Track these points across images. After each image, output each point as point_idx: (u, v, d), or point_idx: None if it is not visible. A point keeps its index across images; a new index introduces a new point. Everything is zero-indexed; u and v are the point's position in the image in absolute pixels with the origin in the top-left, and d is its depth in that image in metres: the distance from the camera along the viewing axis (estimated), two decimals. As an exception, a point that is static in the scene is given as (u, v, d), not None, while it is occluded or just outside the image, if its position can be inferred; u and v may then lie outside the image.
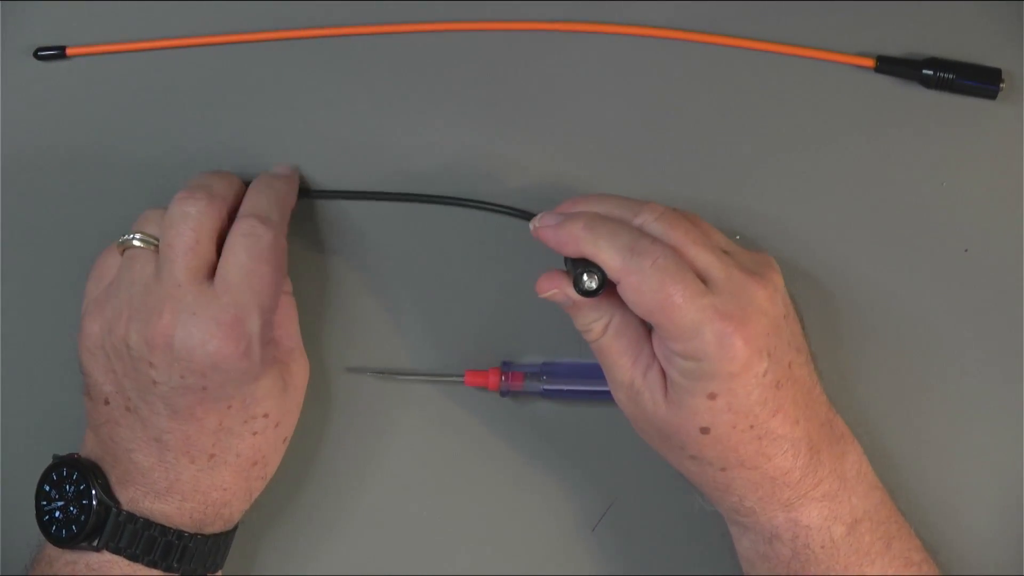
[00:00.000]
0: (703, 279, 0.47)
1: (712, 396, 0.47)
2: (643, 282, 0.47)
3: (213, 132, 0.61)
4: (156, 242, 0.51)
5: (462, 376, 0.58)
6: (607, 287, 0.48)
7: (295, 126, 0.61)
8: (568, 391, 0.58)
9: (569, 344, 0.57)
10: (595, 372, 0.52)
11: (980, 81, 0.58)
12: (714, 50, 0.60)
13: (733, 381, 0.47)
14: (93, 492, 0.51)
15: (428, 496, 0.60)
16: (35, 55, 0.61)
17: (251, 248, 0.50)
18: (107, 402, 0.52)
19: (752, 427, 0.48)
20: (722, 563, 0.56)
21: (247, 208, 0.52)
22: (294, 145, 0.61)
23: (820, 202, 0.59)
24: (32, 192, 0.61)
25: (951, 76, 0.58)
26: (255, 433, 0.52)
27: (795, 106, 0.60)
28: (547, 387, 0.58)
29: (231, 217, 0.53)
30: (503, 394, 0.58)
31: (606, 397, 0.52)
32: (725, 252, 0.49)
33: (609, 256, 0.47)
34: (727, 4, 0.60)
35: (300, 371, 0.55)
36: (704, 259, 0.48)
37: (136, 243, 0.51)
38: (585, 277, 0.48)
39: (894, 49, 0.59)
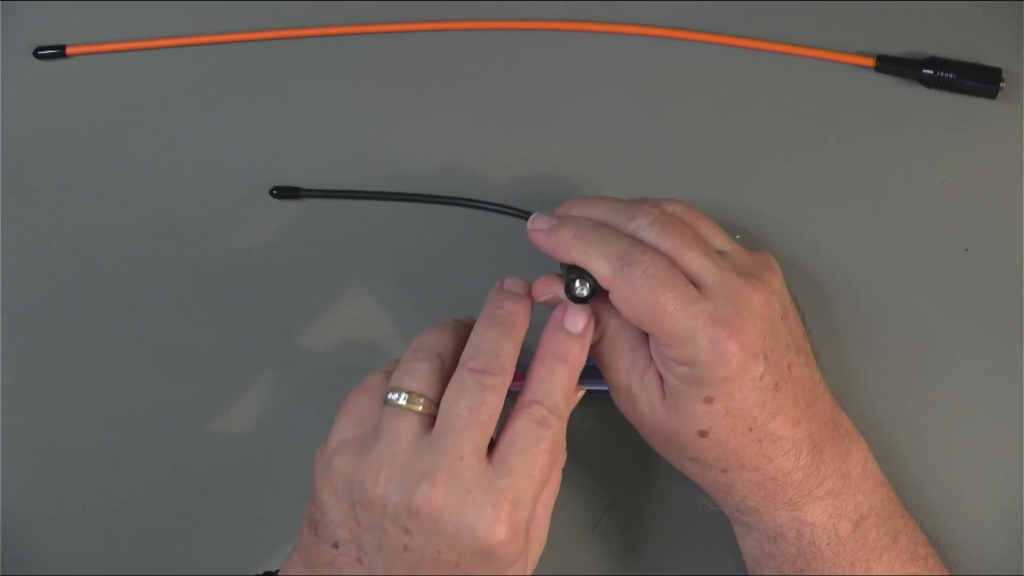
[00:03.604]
0: (697, 284, 0.47)
1: (708, 400, 0.47)
2: (633, 292, 0.46)
3: (213, 132, 0.61)
4: (421, 402, 0.48)
5: (462, 376, 0.58)
6: (601, 292, 0.48)
7: (294, 126, 0.61)
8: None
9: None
10: (594, 372, 0.52)
11: (980, 80, 0.58)
12: (714, 50, 0.60)
13: (729, 385, 0.47)
14: None
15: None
16: (35, 55, 0.61)
17: (538, 436, 0.47)
18: (336, 546, 0.48)
19: (751, 430, 0.48)
20: (722, 563, 0.56)
21: (539, 393, 0.48)
22: (293, 145, 0.61)
23: (820, 202, 0.59)
24: (32, 192, 0.61)
25: (951, 76, 0.58)
26: None
27: (795, 106, 0.60)
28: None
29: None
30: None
31: (606, 397, 0.52)
32: (721, 253, 0.49)
33: (600, 265, 0.47)
34: (727, 4, 0.60)
35: (539, 543, 0.51)
36: (698, 263, 0.47)
37: (403, 403, 0.48)
38: (577, 284, 0.48)
39: (894, 49, 0.59)
